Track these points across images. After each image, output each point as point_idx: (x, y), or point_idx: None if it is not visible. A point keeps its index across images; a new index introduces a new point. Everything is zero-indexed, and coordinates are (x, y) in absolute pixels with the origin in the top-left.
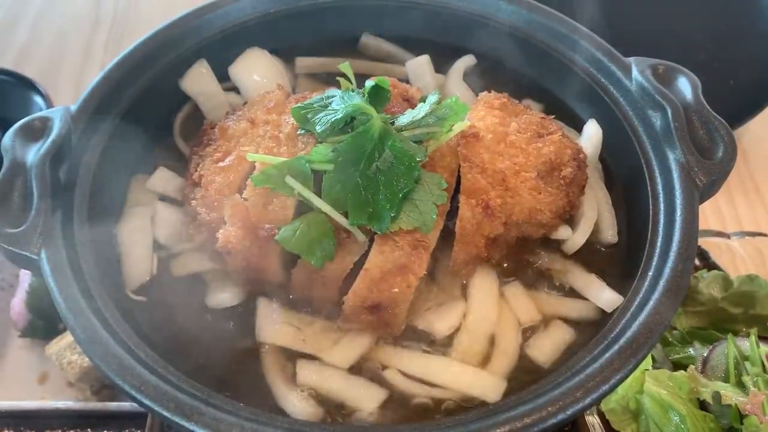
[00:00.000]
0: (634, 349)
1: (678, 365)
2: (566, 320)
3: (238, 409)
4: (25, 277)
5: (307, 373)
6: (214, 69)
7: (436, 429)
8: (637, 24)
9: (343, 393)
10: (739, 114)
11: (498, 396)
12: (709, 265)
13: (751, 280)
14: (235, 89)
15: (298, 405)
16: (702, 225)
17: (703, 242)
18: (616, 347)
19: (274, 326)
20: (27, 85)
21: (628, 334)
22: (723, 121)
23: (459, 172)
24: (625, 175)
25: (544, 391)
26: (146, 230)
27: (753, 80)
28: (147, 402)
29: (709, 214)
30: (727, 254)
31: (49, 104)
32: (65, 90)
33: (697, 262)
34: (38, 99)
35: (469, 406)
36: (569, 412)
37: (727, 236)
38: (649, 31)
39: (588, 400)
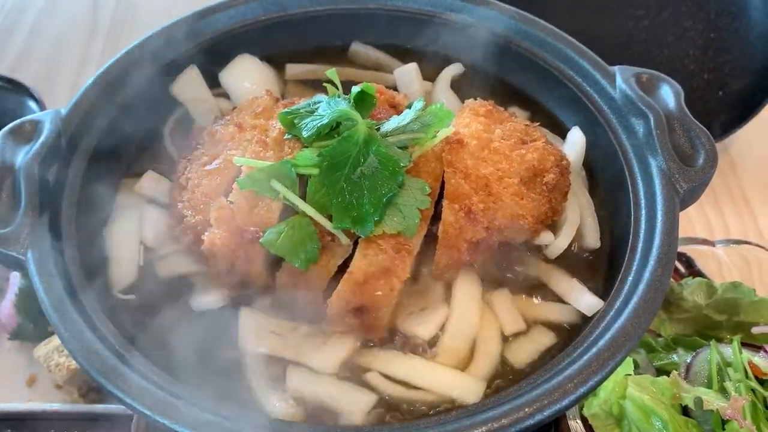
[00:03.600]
0: (612, 352)
1: (662, 371)
2: (547, 324)
3: (220, 409)
4: (15, 280)
5: (296, 379)
6: (205, 75)
7: (415, 430)
8: (627, 33)
9: (333, 399)
10: (728, 123)
11: (477, 398)
12: (695, 272)
13: (735, 287)
14: (225, 95)
15: (278, 405)
16: (689, 233)
17: (689, 250)
18: (594, 350)
19: (257, 335)
20: (22, 90)
21: (607, 337)
22: (704, 128)
23: (443, 177)
24: (607, 181)
25: (522, 392)
26: (134, 232)
27: (742, 90)
28: (129, 401)
29: (696, 223)
30: (712, 262)
31: (44, 110)
32: (61, 96)
33: (682, 269)
34: (33, 105)
35: (449, 408)
36: (546, 413)
37: (713, 244)
38: (639, 41)
39: (566, 402)
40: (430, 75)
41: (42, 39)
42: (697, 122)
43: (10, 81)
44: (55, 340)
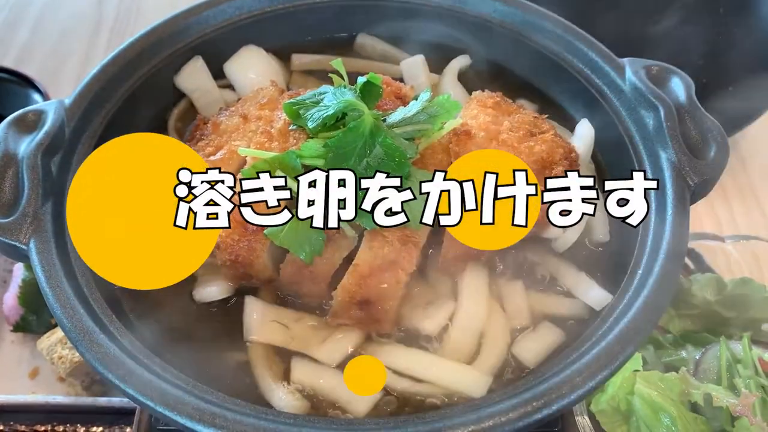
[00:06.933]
0: (621, 347)
1: (670, 368)
2: (555, 318)
3: (223, 400)
4: (18, 272)
5: (301, 371)
6: (210, 66)
7: (421, 423)
8: (635, 28)
9: (338, 392)
10: (737, 119)
11: (483, 392)
12: (704, 268)
13: (744, 283)
14: (230, 86)
15: (284, 398)
16: (698, 228)
17: (698, 245)
18: (603, 344)
19: (262, 325)
20: (26, 83)
21: (616, 331)
22: (716, 121)
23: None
24: (617, 174)
25: (529, 386)
26: None
27: (751, 86)
28: (131, 392)
29: (705, 219)
30: (722, 258)
31: None
32: (66, 89)
33: (691, 265)
34: (38, 97)
35: (455, 402)
36: (554, 407)
37: (722, 240)
38: (647, 35)
39: (574, 396)
40: (436, 67)
41: (47, 32)
42: (709, 115)
43: (15, 73)
44: (58, 333)
